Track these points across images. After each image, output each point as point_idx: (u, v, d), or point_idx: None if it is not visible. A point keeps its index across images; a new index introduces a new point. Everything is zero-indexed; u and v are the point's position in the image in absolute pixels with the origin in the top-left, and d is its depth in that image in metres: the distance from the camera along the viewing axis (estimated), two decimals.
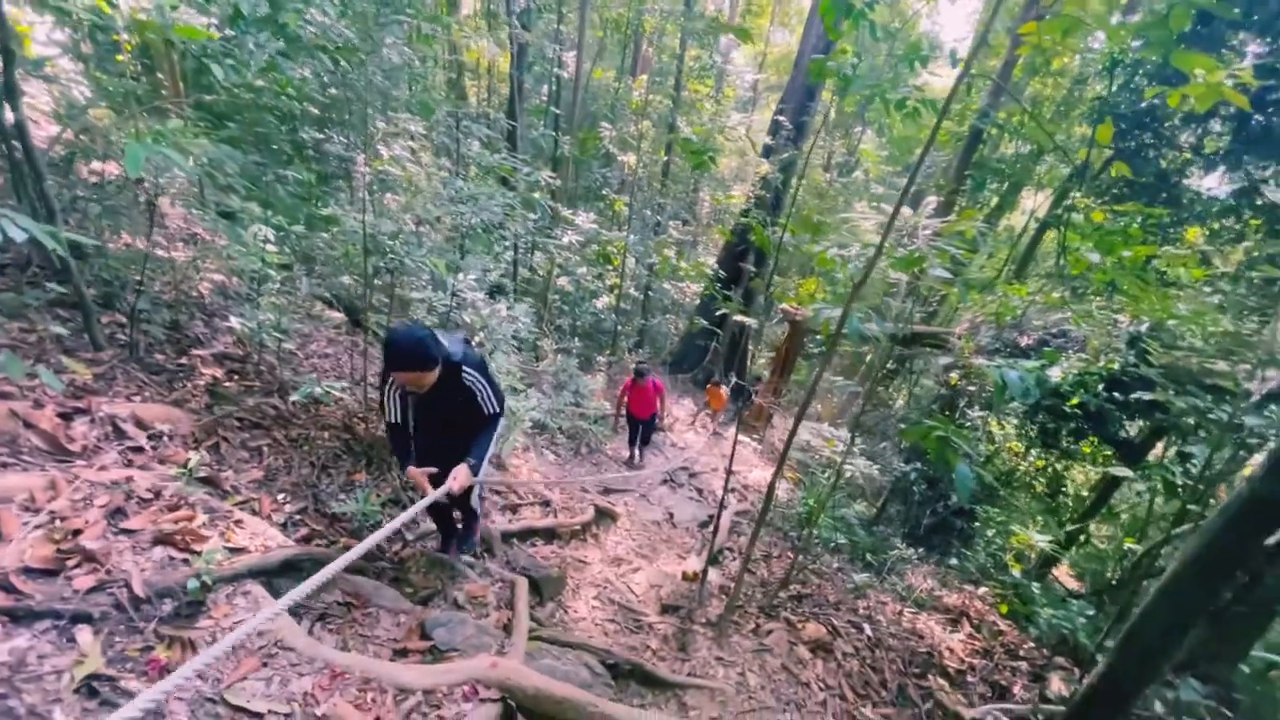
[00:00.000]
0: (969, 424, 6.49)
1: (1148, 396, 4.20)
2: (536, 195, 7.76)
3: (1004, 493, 6.47)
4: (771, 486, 3.80)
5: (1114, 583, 5.37)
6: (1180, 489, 3.96)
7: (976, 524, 6.57)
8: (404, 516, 2.18)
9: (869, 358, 12.30)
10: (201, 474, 2.73)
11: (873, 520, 7.12)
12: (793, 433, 3.79)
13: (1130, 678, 2.06)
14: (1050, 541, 5.35)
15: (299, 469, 3.40)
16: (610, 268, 11.51)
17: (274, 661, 1.98)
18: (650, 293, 14.28)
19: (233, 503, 2.72)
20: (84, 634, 1.75)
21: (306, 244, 4.82)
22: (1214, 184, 8.91)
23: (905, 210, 3.45)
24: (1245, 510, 1.77)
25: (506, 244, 7.77)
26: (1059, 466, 7.06)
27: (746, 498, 7.38)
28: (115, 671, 1.70)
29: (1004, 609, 5.52)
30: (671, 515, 6.32)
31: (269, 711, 1.80)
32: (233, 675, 1.86)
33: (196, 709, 1.72)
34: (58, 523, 2.01)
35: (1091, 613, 4.26)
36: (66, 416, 2.58)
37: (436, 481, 2.56)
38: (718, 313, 12.44)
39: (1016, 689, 4.35)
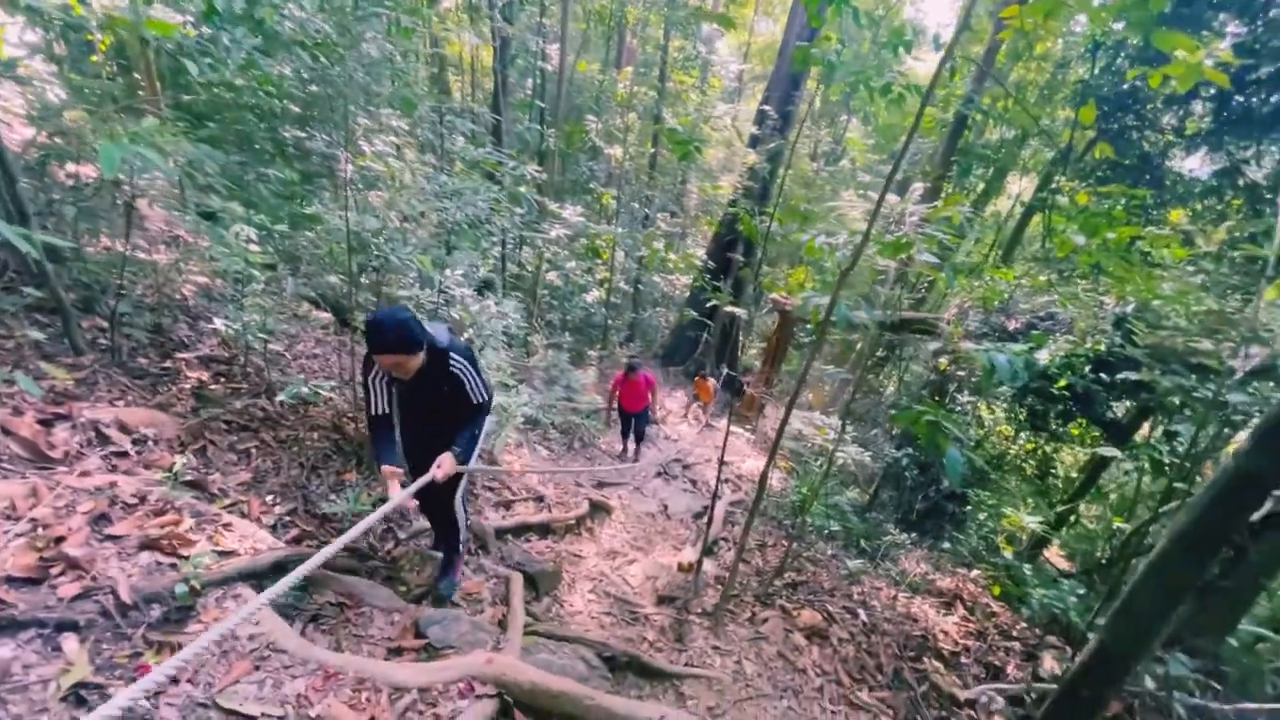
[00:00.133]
0: (959, 409, 6.53)
1: (1134, 376, 4.23)
2: (523, 190, 7.70)
3: (994, 476, 6.52)
4: (764, 476, 3.81)
5: (1103, 561, 5.43)
6: (1167, 467, 4.00)
7: (968, 508, 6.63)
8: (372, 518, 2.00)
9: (859, 345, 12.36)
10: (188, 478, 2.71)
11: (865, 507, 7.16)
12: (784, 422, 3.79)
13: (1122, 653, 2.09)
14: (1041, 523, 5.40)
15: (288, 470, 3.37)
16: (599, 261, 11.48)
17: (266, 664, 1.96)
18: (640, 286, 14.27)
19: (221, 506, 2.69)
20: (70, 642, 1.73)
21: (290, 243, 4.77)
22: (1196, 165, 9.00)
23: (892, 197, 3.45)
24: (1231, 486, 1.79)
25: (494, 239, 7.71)
26: (1048, 449, 7.12)
27: (740, 488, 7.41)
28: (103, 679, 1.68)
29: (996, 591, 5.58)
30: (666, 507, 6.32)
31: (262, 714, 1.79)
32: (224, 679, 1.84)
33: (188, 714, 1.71)
34: (40, 530, 1.98)
35: (1082, 592, 4.30)
36: (47, 423, 2.54)
37: (420, 473, 2.43)
38: (708, 304, 12.45)
39: (1010, 669, 4.40)
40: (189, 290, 4.35)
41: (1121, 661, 2.10)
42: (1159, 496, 4.28)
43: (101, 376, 3.06)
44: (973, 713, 3.72)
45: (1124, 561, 4.49)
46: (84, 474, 2.34)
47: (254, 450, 3.33)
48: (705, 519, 4.83)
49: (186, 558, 2.13)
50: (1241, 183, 7.90)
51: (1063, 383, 5.08)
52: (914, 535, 6.44)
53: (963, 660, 4.40)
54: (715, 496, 4.78)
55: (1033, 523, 5.11)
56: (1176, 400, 3.93)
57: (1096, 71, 8.52)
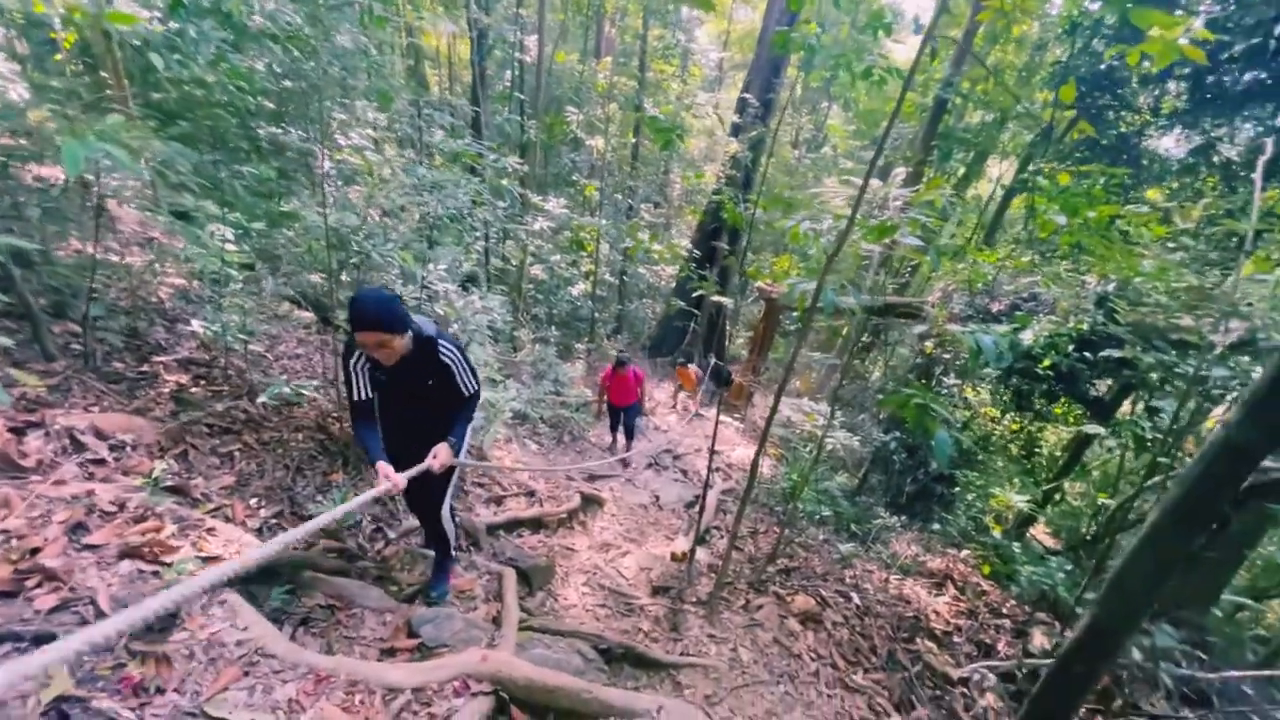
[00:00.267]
0: (945, 391, 6.58)
1: (1116, 354, 4.28)
2: (505, 182, 7.62)
3: (982, 457, 6.58)
4: (755, 464, 3.81)
5: (1089, 538, 5.51)
6: (1149, 443, 4.05)
7: (956, 489, 6.69)
8: (365, 496, 2.02)
9: (845, 331, 12.42)
10: (169, 483, 2.65)
11: (855, 491, 7.21)
12: (773, 409, 3.79)
13: (1115, 627, 2.11)
14: (1028, 501, 5.47)
15: (273, 472, 3.31)
16: (584, 254, 11.41)
17: (255, 670, 1.92)
18: (626, 277, 14.22)
19: (203, 511, 2.63)
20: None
21: (268, 242, 4.66)
22: (1171, 144, 9.13)
23: (874, 182, 3.44)
24: (1220, 457, 1.80)
25: (477, 234, 7.63)
26: (1033, 428, 7.20)
27: (731, 476, 7.43)
28: (86, 692, 1.63)
29: (986, 569, 5.65)
30: (657, 498, 6.33)
31: None
32: (212, 687, 1.80)
33: None
34: (14, 542, 1.92)
35: (1069, 568, 4.36)
36: (19, 431, 2.47)
37: (403, 469, 2.30)
38: (694, 294, 12.45)
39: (1001, 646, 4.46)
40: (165, 292, 4.26)
41: (1114, 636, 2.12)
42: (1142, 472, 4.35)
43: (75, 382, 2.98)
44: (966, 691, 3.77)
45: (1109, 537, 4.56)
46: (59, 482, 2.27)
47: (237, 453, 3.27)
48: (697, 508, 4.83)
49: (169, 565, 2.08)
50: (1216, 160, 8.01)
51: (1047, 362, 5.13)
52: (904, 518, 6.50)
53: (955, 639, 4.46)
54: (706, 486, 4.79)
55: (1020, 501, 5.17)
56: (1158, 376, 3.97)
57: (1074, 51, 8.57)
